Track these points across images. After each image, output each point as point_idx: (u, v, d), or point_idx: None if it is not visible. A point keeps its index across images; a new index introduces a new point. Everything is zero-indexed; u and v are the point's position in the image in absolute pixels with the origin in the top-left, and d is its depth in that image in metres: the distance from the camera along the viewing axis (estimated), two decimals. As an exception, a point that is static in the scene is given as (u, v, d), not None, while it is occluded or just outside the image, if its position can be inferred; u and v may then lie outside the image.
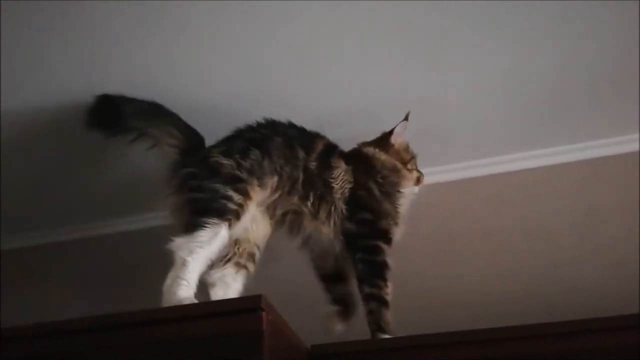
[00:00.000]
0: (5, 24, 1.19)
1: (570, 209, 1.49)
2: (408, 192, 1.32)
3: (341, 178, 1.27)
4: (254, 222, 1.24)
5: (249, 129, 1.30)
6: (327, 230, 1.24)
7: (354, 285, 1.24)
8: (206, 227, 1.11)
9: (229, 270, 1.22)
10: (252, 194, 1.19)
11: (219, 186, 1.16)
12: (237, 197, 1.16)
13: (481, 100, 1.42)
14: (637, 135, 1.49)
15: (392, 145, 1.34)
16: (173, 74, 1.34)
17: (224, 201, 1.15)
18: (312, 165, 1.27)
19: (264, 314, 0.93)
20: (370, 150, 1.34)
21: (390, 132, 1.34)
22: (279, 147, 1.26)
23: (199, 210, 1.15)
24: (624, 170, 1.48)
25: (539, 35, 1.25)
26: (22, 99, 1.39)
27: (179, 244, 1.10)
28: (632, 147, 1.50)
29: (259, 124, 1.31)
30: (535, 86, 1.38)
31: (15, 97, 1.37)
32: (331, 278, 1.29)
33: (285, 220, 1.26)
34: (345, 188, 1.27)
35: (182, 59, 1.31)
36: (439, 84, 1.37)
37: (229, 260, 1.23)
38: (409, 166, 1.34)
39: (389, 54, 1.30)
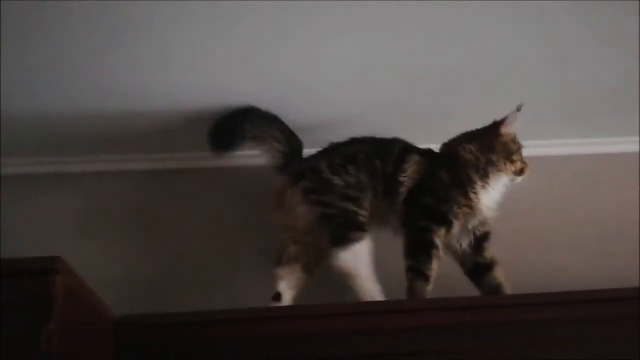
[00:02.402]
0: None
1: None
2: (507, 181, 1.33)
3: (410, 171, 1.33)
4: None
5: (341, 144, 1.38)
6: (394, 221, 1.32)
7: (500, 273, 1.28)
8: (357, 239, 1.25)
9: (297, 269, 1.31)
10: (366, 205, 1.30)
11: (344, 204, 1.29)
12: (360, 211, 1.29)
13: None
14: None
15: (500, 135, 1.33)
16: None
17: (356, 216, 1.28)
18: (389, 169, 1.33)
19: (58, 277, 0.86)
20: (465, 147, 1.34)
21: (501, 122, 1.33)
22: (364, 162, 1.34)
23: (341, 226, 1.27)
24: None
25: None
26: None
27: (346, 260, 1.24)
28: None
29: (347, 141, 1.39)
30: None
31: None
32: (474, 272, 1.31)
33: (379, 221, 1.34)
34: (412, 178, 1.32)
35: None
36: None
37: (298, 260, 1.32)
38: (513, 157, 1.34)
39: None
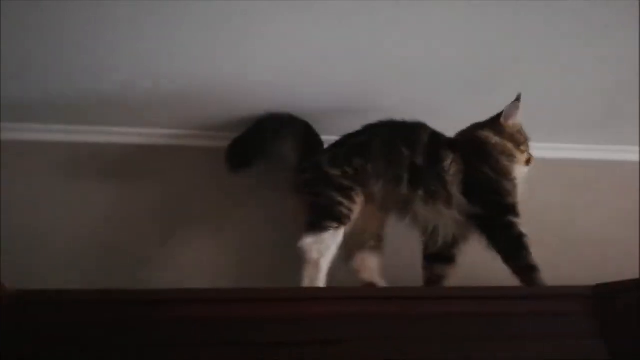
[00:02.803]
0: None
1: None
2: (520, 171, 1.36)
3: (452, 168, 1.32)
4: (368, 216, 1.34)
5: (352, 135, 1.41)
6: (448, 218, 1.30)
7: (453, 270, 1.35)
8: (329, 229, 1.26)
9: (366, 254, 1.34)
10: (357, 199, 1.31)
11: (333, 194, 1.30)
12: (346, 203, 1.29)
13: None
14: None
15: (504, 126, 1.37)
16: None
17: (339, 207, 1.29)
18: (419, 160, 1.32)
19: None
20: (483, 134, 1.37)
21: (500, 114, 1.36)
22: (379, 151, 1.34)
23: (320, 213, 1.29)
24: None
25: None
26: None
27: (310, 244, 1.24)
28: None
29: (360, 130, 1.41)
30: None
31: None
32: (434, 258, 1.36)
33: (395, 208, 1.35)
34: (458, 176, 1.31)
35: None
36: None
37: (361, 246, 1.35)
38: (522, 147, 1.37)
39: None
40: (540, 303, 1.13)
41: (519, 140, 1.37)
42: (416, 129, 1.37)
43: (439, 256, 1.36)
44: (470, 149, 1.35)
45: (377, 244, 1.36)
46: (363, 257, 1.33)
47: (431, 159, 1.32)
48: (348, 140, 1.40)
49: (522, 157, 1.37)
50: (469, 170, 1.32)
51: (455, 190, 1.29)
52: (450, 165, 1.31)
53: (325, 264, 1.23)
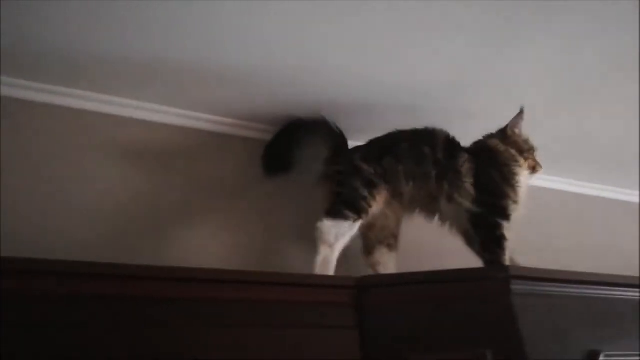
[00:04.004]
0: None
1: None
2: (525, 177, 1.50)
3: (465, 165, 1.47)
4: (390, 214, 1.49)
5: (379, 139, 1.54)
6: (461, 211, 1.43)
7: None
8: (349, 219, 1.37)
9: (385, 250, 1.48)
10: (378, 197, 1.43)
11: (359, 186, 1.41)
12: (369, 198, 1.41)
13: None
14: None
15: (510, 136, 1.53)
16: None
17: (362, 201, 1.40)
18: (440, 155, 1.47)
19: None
20: (492, 142, 1.54)
21: (507, 125, 1.54)
22: (407, 153, 1.47)
23: (343, 202, 1.40)
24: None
25: None
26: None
27: (329, 227, 1.35)
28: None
29: (385, 135, 1.54)
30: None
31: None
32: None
33: (423, 206, 1.49)
34: (470, 174, 1.45)
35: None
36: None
37: (381, 243, 1.48)
38: (526, 155, 1.53)
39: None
40: (309, 292, 1.14)
41: (523, 147, 1.53)
42: (434, 131, 1.52)
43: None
44: (481, 153, 1.51)
45: (394, 242, 1.50)
46: (382, 253, 1.47)
47: (449, 154, 1.48)
48: (377, 143, 1.54)
49: (526, 164, 1.51)
50: (479, 170, 1.47)
51: (467, 185, 1.45)
52: (465, 163, 1.47)
53: (338, 249, 1.34)
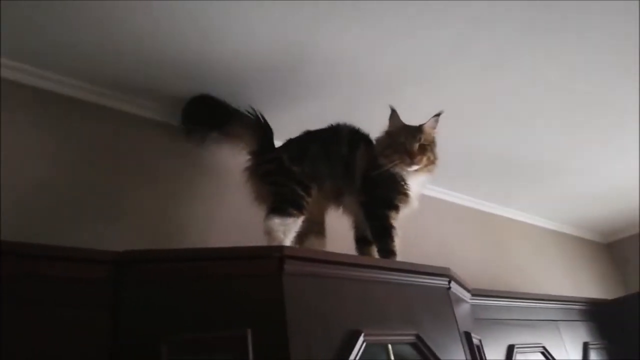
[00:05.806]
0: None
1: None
2: (414, 173, 1.53)
3: (360, 157, 1.54)
4: (314, 206, 1.53)
5: (300, 138, 1.62)
6: (354, 203, 1.54)
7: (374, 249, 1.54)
8: (293, 215, 1.44)
9: (313, 237, 1.55)
10: (312, 193, 1.51)
11: (295, 187, 1.49)
12: (306, 196, 1.49)
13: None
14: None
15: (390, 129, 1.58)
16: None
17: (300, 199, 1.47)
18: (344, 151, 1.55)
19: None
20: (379, 136, 1.59)
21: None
22: (319, 152, 1.55)
23: (285, 201, 1.46)
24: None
25: None
26: None
27: (277, 224, 1.41)
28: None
29: (301, 136, 1.62)
30: None
31: None
32: (361, 240, 1.60)
33: (333, 199, 1.59)
34: (362, 166, 1.53)
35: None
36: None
37: (310, 231, 1.54)
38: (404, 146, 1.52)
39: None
40: (59, 265, 1.02)
41: (400, 141, 1.52)
42: (338, 127, 1.59)
43: (362, 239, 1.59)
44: (371, 145, 1.59)
45: (322, 229, 1.58)
46: (312, 241, 1.54)
47: (350, 148, 1.56)
48: (296, 144, 1.59)
49: (410, 160, 1.49)
50: (370, 162, 1.53)
51: (357, 177, 1.52)
52: (360, 155, 1.54)
53: (287, 243, 1.39)
